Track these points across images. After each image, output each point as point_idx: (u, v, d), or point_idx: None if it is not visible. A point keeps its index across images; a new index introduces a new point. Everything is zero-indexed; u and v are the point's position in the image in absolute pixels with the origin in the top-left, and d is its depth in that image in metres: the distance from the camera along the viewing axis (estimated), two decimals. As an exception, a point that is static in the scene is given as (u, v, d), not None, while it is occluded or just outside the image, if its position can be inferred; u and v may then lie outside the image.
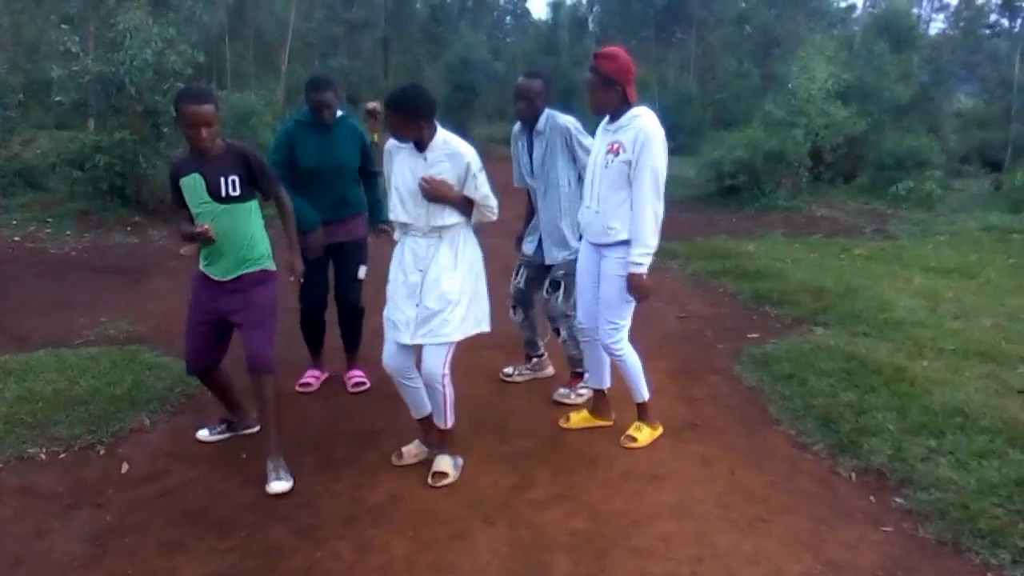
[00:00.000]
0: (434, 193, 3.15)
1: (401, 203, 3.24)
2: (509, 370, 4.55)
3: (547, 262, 4.10)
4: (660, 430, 3.79)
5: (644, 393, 3.73)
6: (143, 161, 9.32)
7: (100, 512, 3.11)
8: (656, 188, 3.37)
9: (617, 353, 3.61)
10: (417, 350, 3.28)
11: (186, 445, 3.69)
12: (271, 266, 3.41)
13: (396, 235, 3.40)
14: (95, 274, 7.20)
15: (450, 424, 3.35)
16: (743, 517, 3.08)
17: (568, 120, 3.92)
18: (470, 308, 3.27)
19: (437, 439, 3.43)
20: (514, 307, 4.28)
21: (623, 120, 3.43)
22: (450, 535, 2.95)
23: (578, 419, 3.91)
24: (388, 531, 2.97)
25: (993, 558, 2.77)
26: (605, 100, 3.44)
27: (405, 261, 3.27)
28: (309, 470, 3.46)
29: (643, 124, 3.37)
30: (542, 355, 4.53)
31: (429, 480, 3.25)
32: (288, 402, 4.20)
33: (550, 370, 4.56)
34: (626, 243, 3.45)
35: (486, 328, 3.39)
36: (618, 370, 3.73)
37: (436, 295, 3.18)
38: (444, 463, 3.34)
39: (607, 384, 3.88)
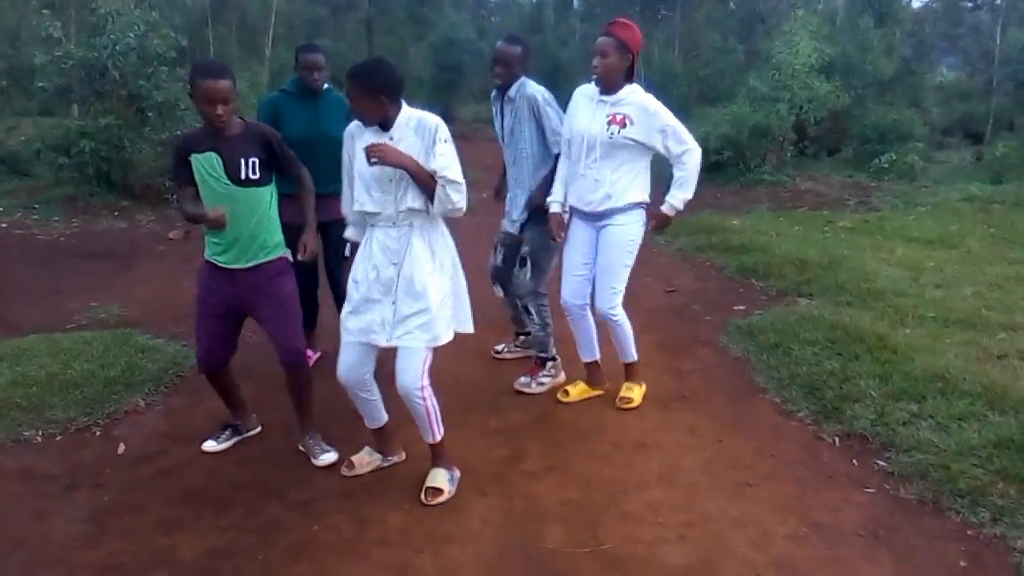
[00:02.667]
0: (386, 157, 2.78)
1: (366, 190, 2.92)
2: (500, 347, 4.60)
3: (511, 229, 4.01)
4: (644, 387, 3.95)
5: (634, 354, 3.89)
6: (128, 146, 9.26)
7: (98, 492, 3.15)
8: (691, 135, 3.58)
9: (614, 318, 3.70)
10: (388, 360, 3.05)
11: (181, 425, 3.72)
12: (287, 253, 3.29)
13: (349, 232, 3.15)
14: (84, 259, 7.19)
15: (439, 437, 3.07)
16: (730, 483, 3.16)
17: (537, 89, 3.85)
18: (451, 308, 3.02)
19: (431, 452, 3.13)
20: (495, 285, 4.28)
21: (622, 94, 3.51)
22: (445, 507, 3.01)
23: (577, 392, 3.98)
24: (384, 504, 3.03)
25: (973, 517, 2.85)
26: (615, 66, 3.47)
27: (375, 256, 2.94)
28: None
29: (642, 98, 3.52)
30: (530, 333, 4.54)
31: (422, 497, 3.01)
32: (280, 382, 4.23)
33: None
34: (630, 208, 3.59)
35: (470, 329, 3.14)
36: (610, 335, 3.82)
37: (414, 293, 2.90)
38: (440, 478, 3.07)
39: (598, 355, 3.96)
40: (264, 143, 3.12)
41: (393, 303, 2.92)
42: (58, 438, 3.58)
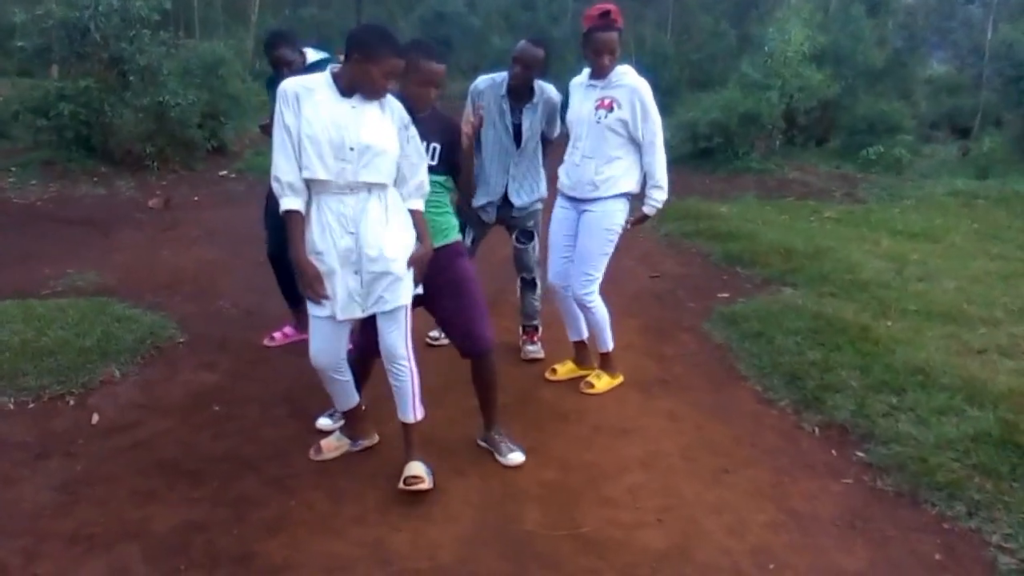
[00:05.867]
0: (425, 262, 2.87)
1: (319, 157, 2.65)
2: (435, 334, 4.39)
3: (520, 206, 4.05)
4: (620, 379, 3.92)
5: (609, 344, 3.85)
6: (109, 110, 9.09)
7: (70, 462, 3.10)
8: (661, 135, 3.56)
9: (589, 304, 3.68)
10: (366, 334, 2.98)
11: (157, 397, 3.67)
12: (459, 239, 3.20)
13: (290, 203, 2.74)
14: (61, 225, 7.06)
15: (419, 416, 2.95)
16: (708, 469, 3.16)
17: (556, 93, 3.97)
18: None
19: (405, 439, 3.00)
20: None
21: (612, 76, 3.50)
22: (422, 485, 2.99)
23: (564, 371, 4.00)
24: (362, 482, 3.00)
25: (949, 510, 2.86)
26: (615, 61, 3.48)
27: (330, 226, 2.72)
28: (281, 422, 3.48)
29: (634, 80, 3.49)
30: None
31: (401, 484, 2.86)
32: (259, 356, 4.21)
33: None
34: (615, 197, 3.58)
35: (419, 290, 2.99)
36: (587, 321, 3.82)
37: (374, 257, 2.74)
38: (418, 467, 2.92)
39: (585, 335, 3.96)
40: (449, 132, 3.07)
41: (356, 272, 2.76)
42: (31, 406, 3.51)
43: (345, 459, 3.17)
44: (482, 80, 3.98)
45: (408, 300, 2.84)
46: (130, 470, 3.05)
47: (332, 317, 2.81)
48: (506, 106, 3.91)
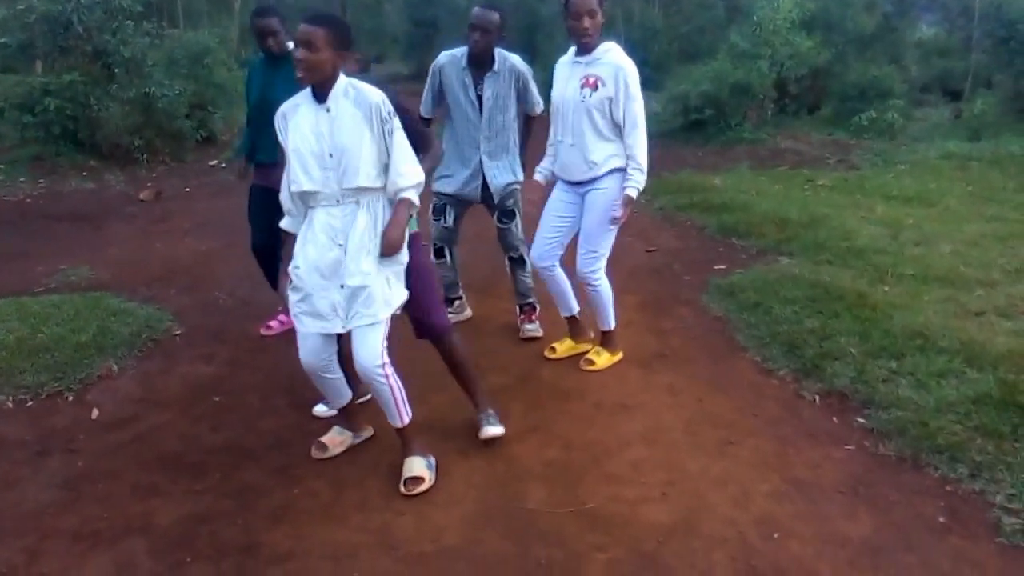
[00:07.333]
0: (394, 245, 2.69)
1: (303, 169, 2.64)
2: None
3: (496, 189, 4.03)
4: (620, 356, 3.90)
5: (611, 322, 3.83)
6: (95, 104, 9.02)
7: (71, 458, 3.09)
8: (643, 117, 3.49)
9: (594, 282, 3.66)
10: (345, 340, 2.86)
11: (156, 390, 3.66)
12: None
13: (285, 223, 2.85)
14: (52, 221, 7.03)
15: (407, 420, 2.86)
16: (711, 442, 3.16)
17: (522, 63, 3.94)
18: (398, 279, 2.81)
19: (400, 438, 2.93)
20: (440, 249, 4.19)
21: (597, 53, 3.45)
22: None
23: (563, 348, 3.99)
24: (364, 468, 3.00)
25: (951, 472, 2.86)
26: (597, 27, 3.41)
27: (317, 238, 2.68)
28: (281, 411, 3.47)
29: (619, 58, 3.44)
30: (462, 297, 4.52)
31: (402, 488, 2.81)
32: (257, 345, 4.19)
33: (468, 312, 4.56)
34: (611, 173, 3.53)
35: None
36: (588, 299, 3.78)
37: (357, 270, 2.66)
38: (416, 465, 2.86)
39: (577, 310, 3.95)
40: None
41: (341, 286, 2.68)
42: (29, 404, 3.50)
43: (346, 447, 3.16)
44: (443, 55, 3.98)
45: (387, 315, 2.73)
46: (132, 464, 3.04)
47: (313, 332, 2.76)
48: (468, 79, 3.90)
